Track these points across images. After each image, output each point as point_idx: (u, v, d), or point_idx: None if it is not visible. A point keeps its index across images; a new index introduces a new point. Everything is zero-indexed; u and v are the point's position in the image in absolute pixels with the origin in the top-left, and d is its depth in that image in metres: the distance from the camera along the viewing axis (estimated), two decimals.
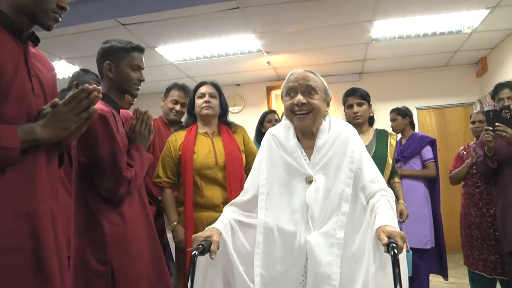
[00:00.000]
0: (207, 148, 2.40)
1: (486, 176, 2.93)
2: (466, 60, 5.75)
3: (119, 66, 1.81)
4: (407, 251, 2.36)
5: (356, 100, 2.65)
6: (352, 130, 1.66)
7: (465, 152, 3.49)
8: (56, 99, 1.27)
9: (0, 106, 1.16)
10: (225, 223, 1.50)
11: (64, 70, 4.98)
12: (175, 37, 4.48)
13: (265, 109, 5.42)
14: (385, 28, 4.47)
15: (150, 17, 3.83)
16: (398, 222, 2.37)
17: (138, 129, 1.82)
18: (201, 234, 1.40)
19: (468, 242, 3.23)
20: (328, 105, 1.65)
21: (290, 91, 1.59)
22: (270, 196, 1.57)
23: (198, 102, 2.46)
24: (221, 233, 1.44)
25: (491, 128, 2.63)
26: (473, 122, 3.43)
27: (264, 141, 1.70)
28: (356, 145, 1.60)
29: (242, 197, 1.64)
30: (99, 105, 1.63)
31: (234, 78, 6.10)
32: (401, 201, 2.66)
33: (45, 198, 1.25)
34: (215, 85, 2.52)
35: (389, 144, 2.63)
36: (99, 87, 1.25)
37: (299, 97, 1.55)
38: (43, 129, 1.21)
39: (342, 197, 1.51)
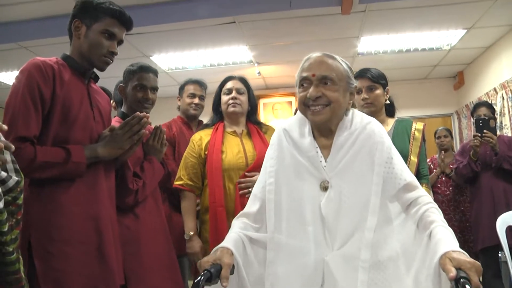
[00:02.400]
0: (236, 148, 2.14)
1: (468, 179, 3.09)
2: (444, 74, 6.09)
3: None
4: None
5: (366, 83, 2.09)
6: (379, 126, 1.38)
7: (431, 164, 3.85)
8: (113, 124, 1.59)
9: (70, 130, 1.46)
10: (236, 239, 1.24)
11: None
12: (170, 47, 4.64)
13: None
14: (371, 43, 4.73)
15: (149, 29, 3.96)
16: None
17: (151, 142, 1.96)
18: (208, 259, 1.15)
19: None
20: (352, 95, 1.39)
21: (303, 82, 1.34)
22: (279, 204, 1.31)
23: (224, 98, 2.21)
24: (232, 253, 1.18)
25: (479, 135, 2.85)
26: (439, 137, 3.89)
27: (273, 137, 1.44)
28: (384, 144, 1.33)
29: (251, 207, 1.38)
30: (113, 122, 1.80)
31: None
32: None
33: (105, 203, 1.52)
34: (243, 80, 2.27)
35: (411, 137, 2.12)
36: (148, 114, 1.56)
37: (313, 91, 1.30)
38: (103, 148, 1.51)
39: (368, 208, 1.24)
